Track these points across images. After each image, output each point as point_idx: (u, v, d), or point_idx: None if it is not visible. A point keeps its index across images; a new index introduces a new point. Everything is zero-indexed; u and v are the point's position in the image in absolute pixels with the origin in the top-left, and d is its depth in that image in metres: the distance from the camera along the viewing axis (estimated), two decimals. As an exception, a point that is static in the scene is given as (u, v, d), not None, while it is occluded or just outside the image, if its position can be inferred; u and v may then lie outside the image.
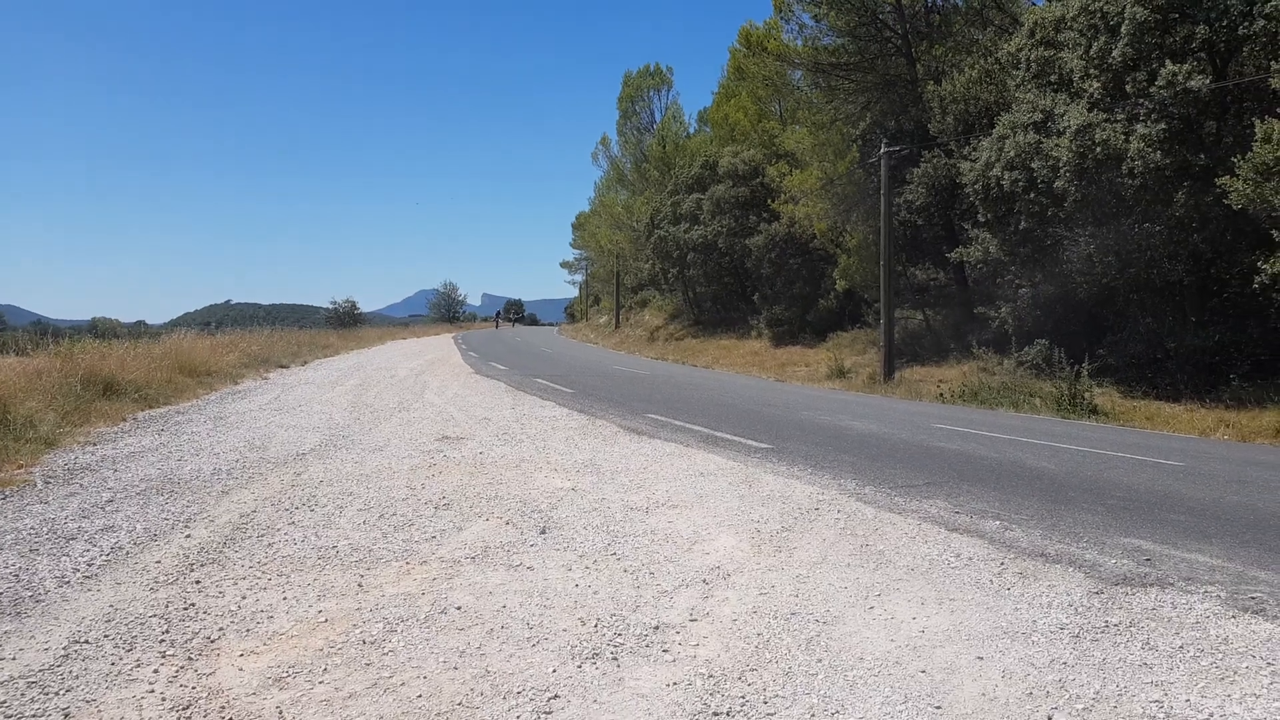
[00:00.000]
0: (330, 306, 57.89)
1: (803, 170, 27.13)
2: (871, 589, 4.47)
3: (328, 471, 7.43)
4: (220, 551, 4.98)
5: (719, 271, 37.25)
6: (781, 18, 26.45)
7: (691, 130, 47.32)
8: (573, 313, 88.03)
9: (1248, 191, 12.47)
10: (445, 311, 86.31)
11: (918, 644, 3.76)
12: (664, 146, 45.47)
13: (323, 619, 3.98)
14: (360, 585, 4.44)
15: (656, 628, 3.92)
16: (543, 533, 5.50)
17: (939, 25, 24.59)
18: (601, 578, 4.62)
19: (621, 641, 3.75)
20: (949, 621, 4.01)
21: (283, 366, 20.11)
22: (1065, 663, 3.54)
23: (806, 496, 6.56)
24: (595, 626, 3.92)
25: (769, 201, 31.33)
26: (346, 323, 51.87)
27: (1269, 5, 13.55)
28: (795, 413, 13.05)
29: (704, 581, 4.57)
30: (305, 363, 22.25)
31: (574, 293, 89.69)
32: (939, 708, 3.18)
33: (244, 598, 4.23)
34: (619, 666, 3.51)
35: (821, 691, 3.30)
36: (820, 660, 3.58)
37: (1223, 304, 15.42)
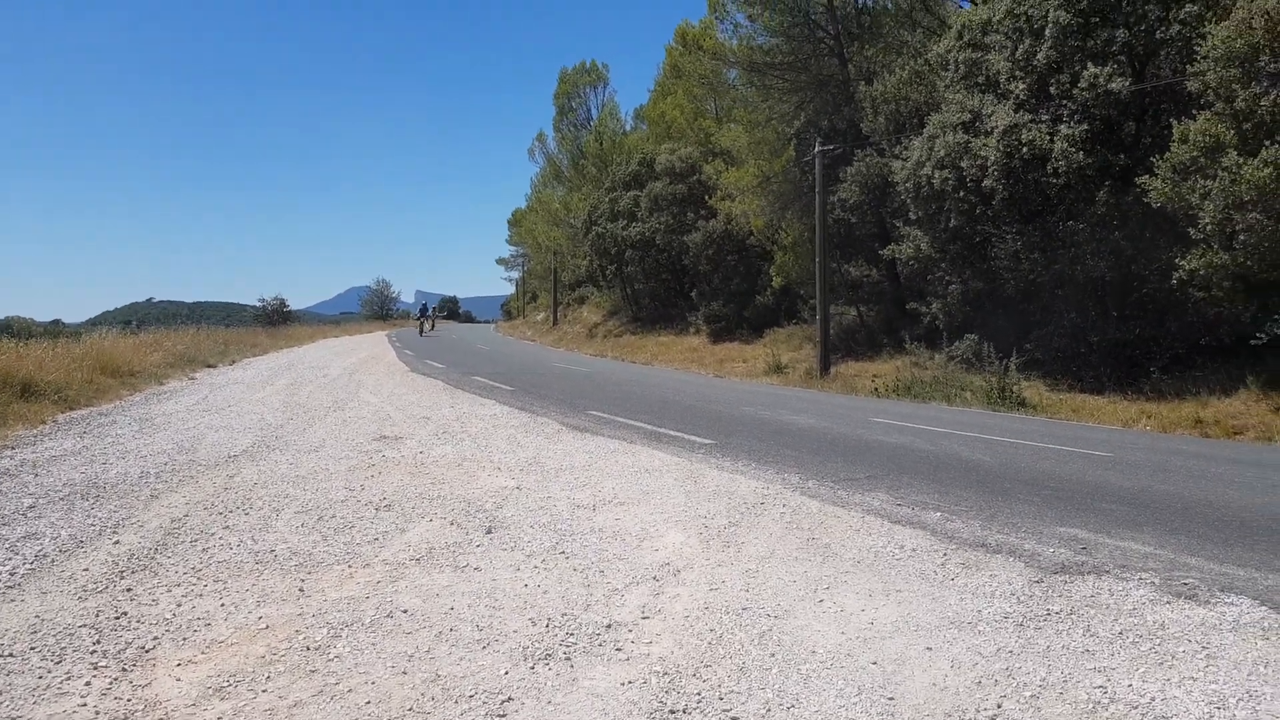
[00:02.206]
0: (258, 304, 56.21)
1: (739, 168, 27.34)
2: (820, 582, 4.50)
3: (262, 474, 7.22)
4: (152, 558, 4.79)
5: (657, 268, 37.32)
6: (716, 17, 26.61)
7: (628, 127, 47.30)
8: (509, 310, 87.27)
9: (1166, 190, 12.93)
10: (378, 309, 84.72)
11: (868, 636, 3.80)
12: (601, 143, 45.37)
13: (264, 625, 3.85)
14: (301, 590, 4.32)
15: (609, 626, 3.89)
16: (489, 533, 5.42)
17: (870, 26, 24.99)
18: (551, 577, 4.57)
19: (574, 641, 3.71)
20: (897, 613, 4.07)
21: (210, 366, 19.50)
22: (1011, 651, 3.61)
23: (752, 491, 6.59)
24: (547, 626, 3.87)
25: (706, 199, 31.50)
26: (275, 321, 50.51)
27: (1183, 10, 14.10)
28: (736, 408, 13.13)
29: (654, 578, 4.56)
30: (234, 362, 21.62)
31: (510, 290, 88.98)
32: (891, 699, 3.21)
33: (179, 605, 4.07)
34: (572, 667, 3.47)
35: (776, 686, 3.31)
36: (773, 655, 3.59)
37: (1142, 299, 15.99)
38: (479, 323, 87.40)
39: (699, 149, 34.08)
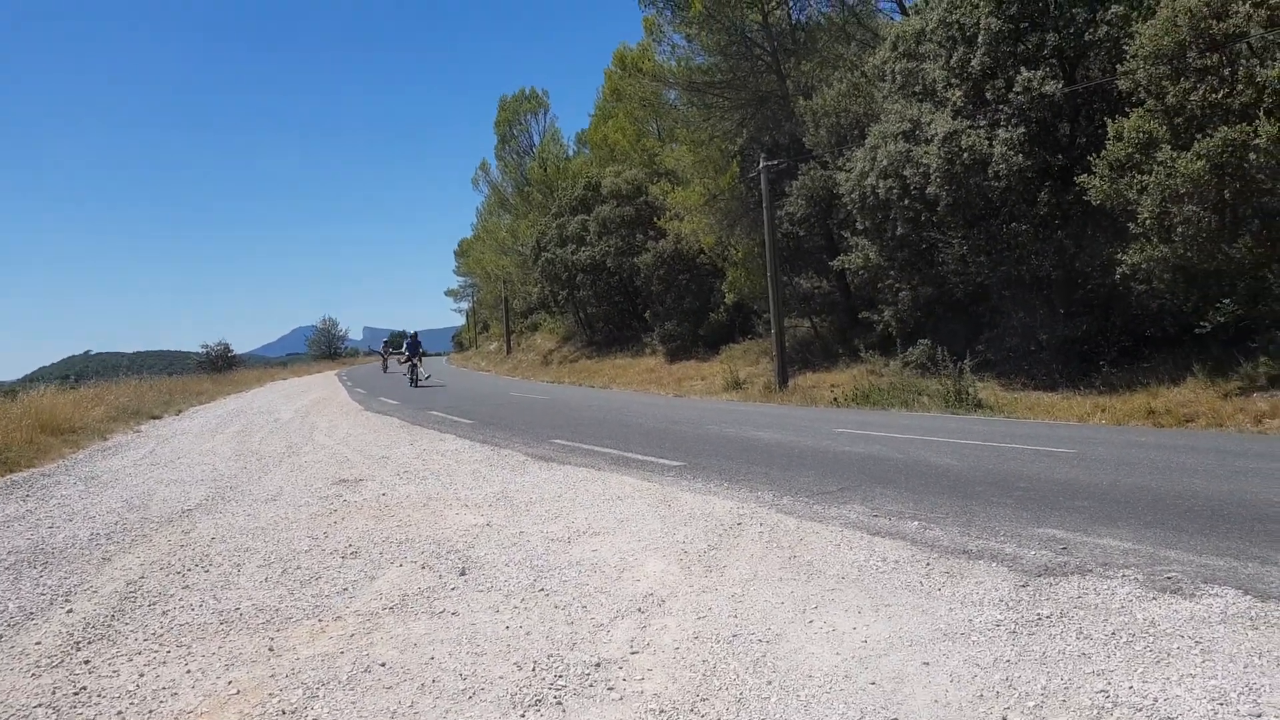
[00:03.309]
0: (201, 350, 55.04)
1: (685, 187, 27.47)
2: (808, 601, 4.43)
3: (219, 527, 6.95)
4: (109, 626, 4.54)
5: (609, 291, 37.30)
6: (653, 39, 26.82)
7: (571, 152, 47.38)
8: (461, 341, 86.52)
9: (1104, 188, 13.23)
10: (325, 348, 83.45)
11: (862, 655, 3.72)
12: (545, 169, 45.35)
13: (234, 690, 3.66)
14: (271, 649, 4.12)
15: (598, 664, 3.76)
16: (463, 574, 5.25)
17: (805, 42, 25.35)
18: (532, 617, 4.42)
19: (563, 684, 3.58)
20: (889, 628, 4.00)
21: (155, 417, 18.93)
22: (1009, 660, 3.56)
23: (727, 512, 6.51)
24: (533, 670, 3.73)
25: (654, 219, 31.60)
26: (220, 366, 49.45)
27: (1110, 12, 14.52)
28: (701, 427, 13.08)
29: (639, 610, 4.44)
30: (180, 411, 21.02)
31: (461, 321, 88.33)
32: (895, 719, 3.14)
33: (142, 675, 3.85)
34: (565, 712, 3.34)
35: (777, 715, 3.22)
36: (770, 682, 3.50)
37: (1088, 295, 16.32)
38: (430, 355, 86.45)
39: (644, 170, 34.23)
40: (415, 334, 31.07)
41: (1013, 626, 3.91)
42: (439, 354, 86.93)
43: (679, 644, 3.95)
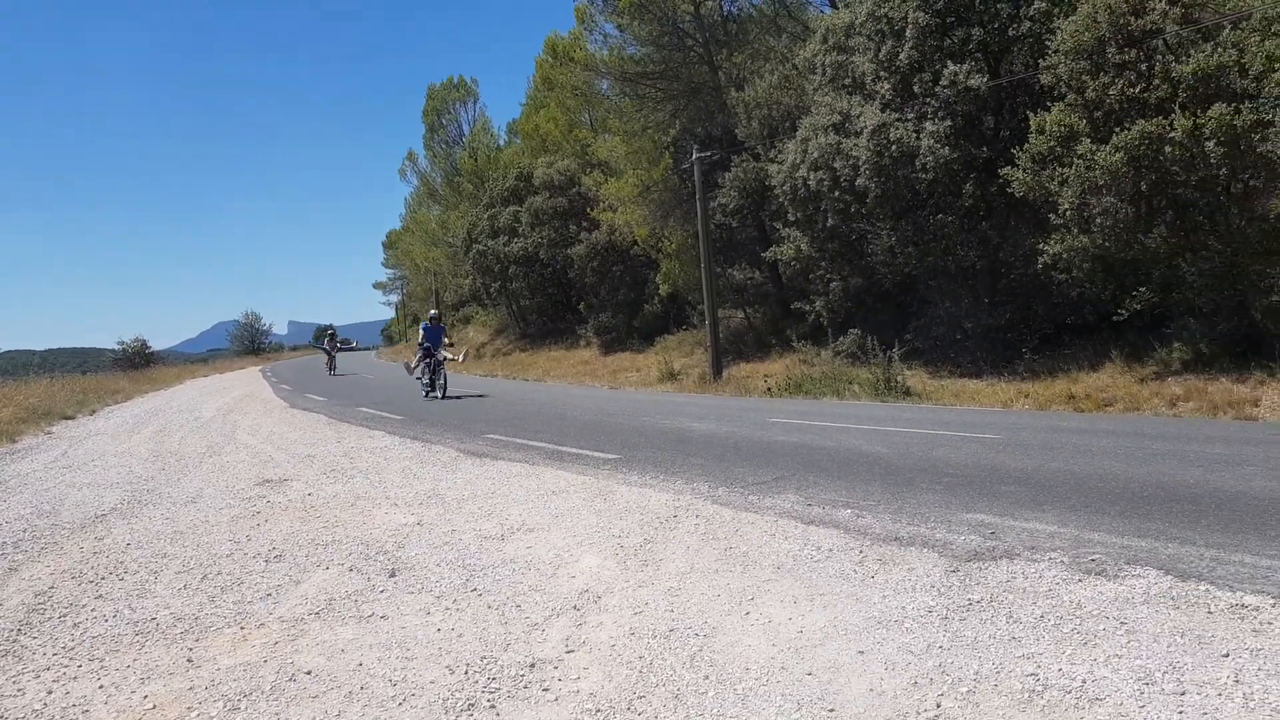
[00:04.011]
0: (118, 348, 53.06)
1: (618, 178, 27.38)
2: (744, 593, 4.41)
3: (135, 533, 6.65)
4: (14, 640, 4.29)
5: (543, 283, 37.04)
6: (585, 28, 26.65)
7: (502, 142, 46.89)
8: (390, 335, 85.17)
9: (1027, 180, 13.57)
10: (249, 343, 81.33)
11: (798, 645, 3.71)
12: (475, 159, 44.76)
13: (150, 706, 3.48)
14: (190, 660, 3.94)
15: (532, 665, 3.68)
16: (392, 576, 5.11)
17: (736, 34, 25.46)
18: (465, 618, 4.31)
19: (497, 686, 3.49)
20: (824, 618, 4.00)
21: (68, 418, 18.15)
22: (941, 646, 3.58)
23: (663, 505, 6.47)
24: (466, 673, 3.63)
25: (588, 211, 31.46)
26: (138, 364, 47.72)
27: (1032, 8, 14.89)
28: (636, 419, 13.04)
29: (575, 608, 4.36)
30: (94, 411, 20.19)
31: (390, 314, 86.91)
32: (832, 710, 3.13)
33: (50, 692, 3.64)
34: (498, 715, 3.25)
35: (714, 710, 3.18)
36: (707, 677, 3.46)
37: (1011, 285, 16.75)
38: (359, 350, 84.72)
39: (577, 161, 34.03)
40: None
41: (945, 612, 3.95)
42: (368, 348, 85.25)
43: (615, 641, 3.89)
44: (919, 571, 4.55)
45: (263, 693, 3.54)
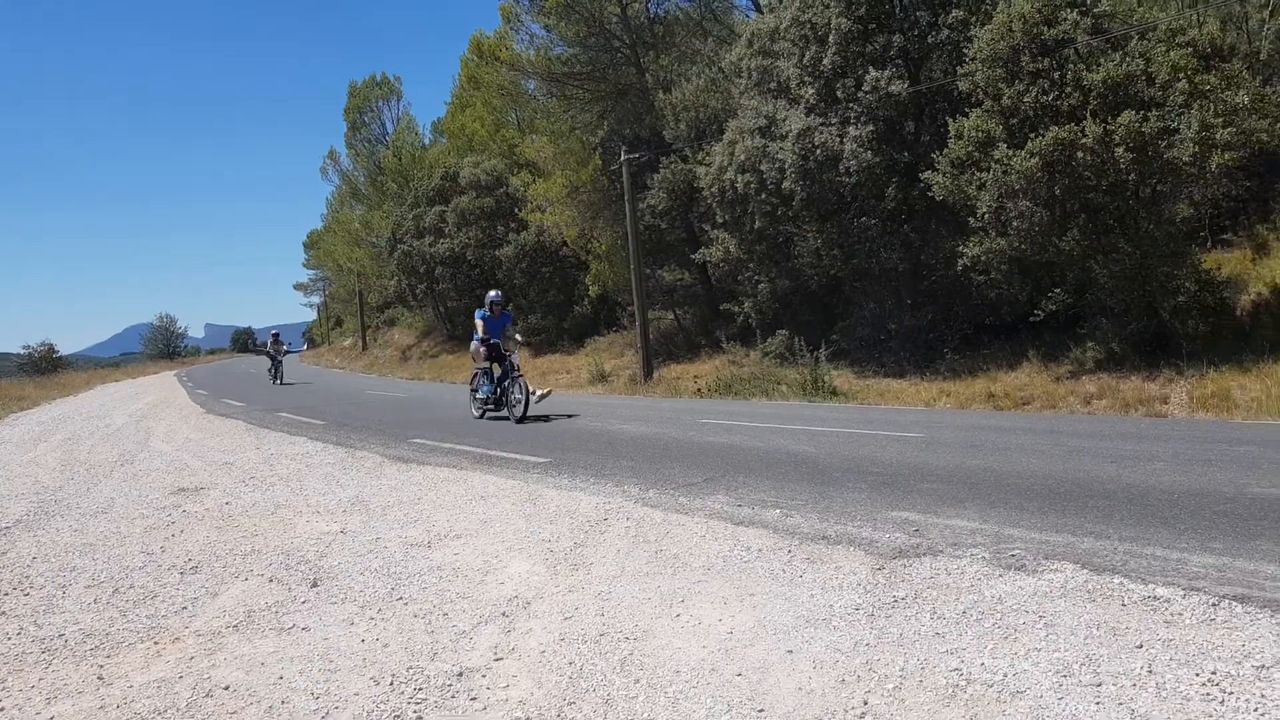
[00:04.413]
0: (22, 352, 50.76)
1: (546, 179, 27.22)
2: (674, 596, 4.40)
3: (41, 545, 6.34)
4: (-99, 666, 4.03)
5: (470, 284, 36.56)
6: (511, 28, 26.39)
7: (428, 141, 46.16)
8: (312, 337, 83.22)
9: (946, 184, 13.93)
10: (163, 347, 78.63)
11: (728, 646, 3.71)
12: (400, 158, 43.98)
13: (53, 730, 3.30)
14: (101, 678, 3.76)
15: (460, 674, 3.60)
16: (314, 586, 4.96)
17: (663, 36, 25.56)
18: (390, 627, 4.21)
19: (424, 696, 3.41)
20: (753, 618, 4.01)
21: (-33, 426, 17.25)
22: (868, 644, 3.62)
23: (593, 508, 6.43)
24: (391, 684, 3.53)
25: (516, 211, 31.18)
26: (44, 369, 45.74)
27: (950, 16, 15.30)
28: (566, 423, 12.96)
29: (504, 614, 4.29)
30: (-3, 419, 19.24)
31: (312, 316, 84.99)
32: (762, 710, 3.13)
33: (-59, 721, 3.43)
34: (425, 727, 3.17)
35: (645, 715, 3.15)
36: (638, 681, 3.44)
37: (932, 286, 17.18)
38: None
39: (504, 161, 33.73)
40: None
41: (871, 610, 3.99)
42: (288, 351, 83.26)
43: (545, 647, 3.84)
44: (846, 570, 4.60)
45: (178, 710, 3.39)
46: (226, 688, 3.59)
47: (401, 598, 4.65)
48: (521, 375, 12.92)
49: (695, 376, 19.56)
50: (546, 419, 13.02)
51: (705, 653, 3.66)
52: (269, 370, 29.52)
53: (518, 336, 13.60)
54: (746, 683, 3.36)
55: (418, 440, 11.23)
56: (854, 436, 9.70)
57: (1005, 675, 3.23)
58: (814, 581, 4.46)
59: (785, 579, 4.54)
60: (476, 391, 13.68)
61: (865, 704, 3.12)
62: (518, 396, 12.64)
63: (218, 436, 13.32)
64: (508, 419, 12.91)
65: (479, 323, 13.32)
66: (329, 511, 7.00)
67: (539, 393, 13.44)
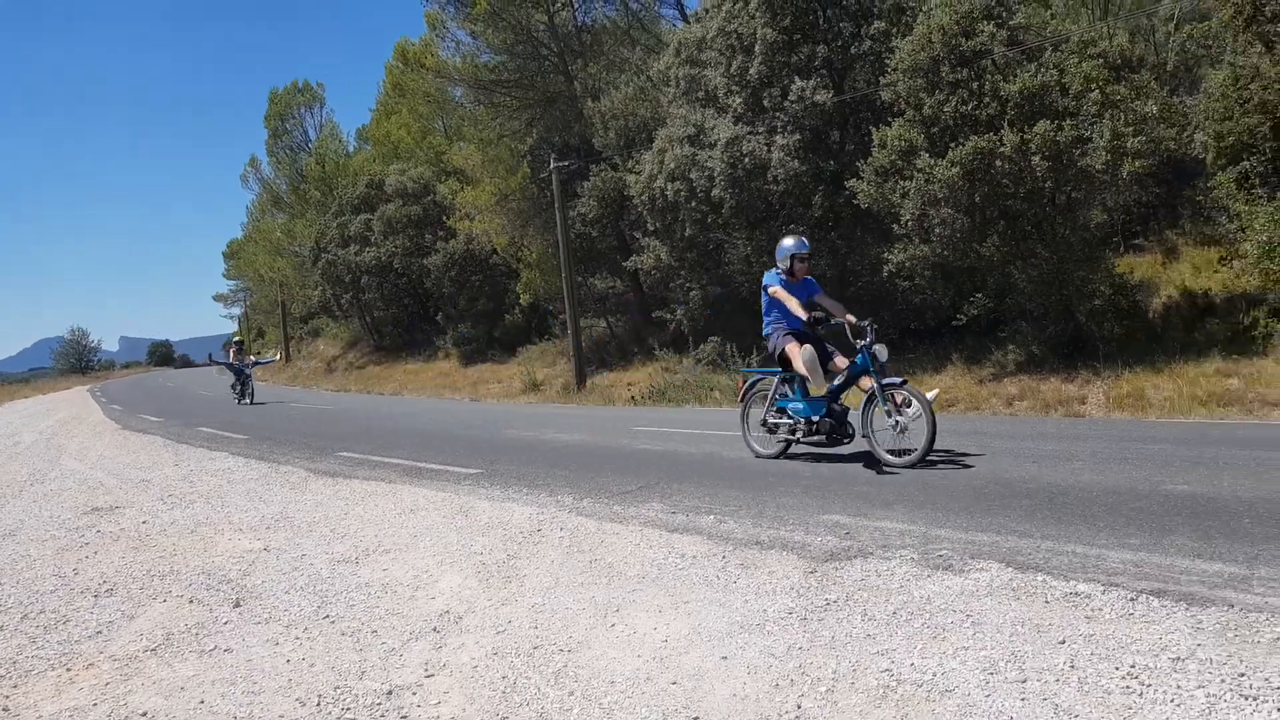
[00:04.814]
0: (-79, 369, 48.24)
1: (475, 186, 26.98)
2: (609, 605, 4.36)
3: (-62, 573, 6.00)
4: None
5: (397, 293, 36.05)
6: (437, 35, 26.14)
7: (352, 149, 45.37)
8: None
9: (871, 192, 14.22)
10: (75, 361, 75.62)
11: (663, 655, 3.70)
12: (323, 166, 43.08)
13: (-50, 770, 3.11)
14: (6, 709, 3.57)
15: (389, 692, 3.51)
16: (237, 606, 4.80)
17: (591, 44, 25.60)
18: (316, 647, 4.08)
19: (352, 717, 3.32)
20: (688, 625, 4.00)
21: None
22: (801, 647, 3.64)
23: (527, 519, 6.36)
24: (319, 705, 3.43)
25: (444, 219, 30.84)
26: (-54, 386, 43.51)
27: (873, 27, 15.65)
28: (498, 431, 12.83)
29: (435, 630, 4.21)
30: (-108, 439, 18.22)
31: (233, 328, 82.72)
32: (697, 718, 3.12)
33: None
34: (353, 749, 3.08)
35: (580, 728, 3.12)
36: (572, 693, 3.40)
37: (859, 292, 17.48)
38: (198, 366, 79.89)
39: (431, 168, 33.35)
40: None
41: (803, 613, 4.02)
42: (205, 364, 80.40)
43: (477, 662, 3.77)
44: (779, 574, 4.63)
45: (86, 745, 3.24)
46: (144, 714, 3.45)
47: (328, 616, 4.52)
48: (900, 382, 7.62)
49: (628, 384, 19.57)
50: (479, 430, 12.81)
51: (640, 662, 3.64)
52: (232, 388, 23.69)
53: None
54: (681, 691, 3.35)
55: (345, 453, 10.98)
56: (785, 441, 9.78)
57: (934, 674, 3.27)
58: (748, 587, 4.47)
59: (719, 585, 4.54)
60: (767, 411, 8.39)
61: (799, 708, 3.13)
62: (902, 420, 7.38)
63: (134, 453, 12.83)
64: (837, 452, 8.26)
65: (779, 291, 7.95)
66: (252, 528, 6.79)
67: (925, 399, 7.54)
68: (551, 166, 21.09)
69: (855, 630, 3.77)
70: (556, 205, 21.07)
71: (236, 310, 75.91)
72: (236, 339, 26.76)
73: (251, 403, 22.44)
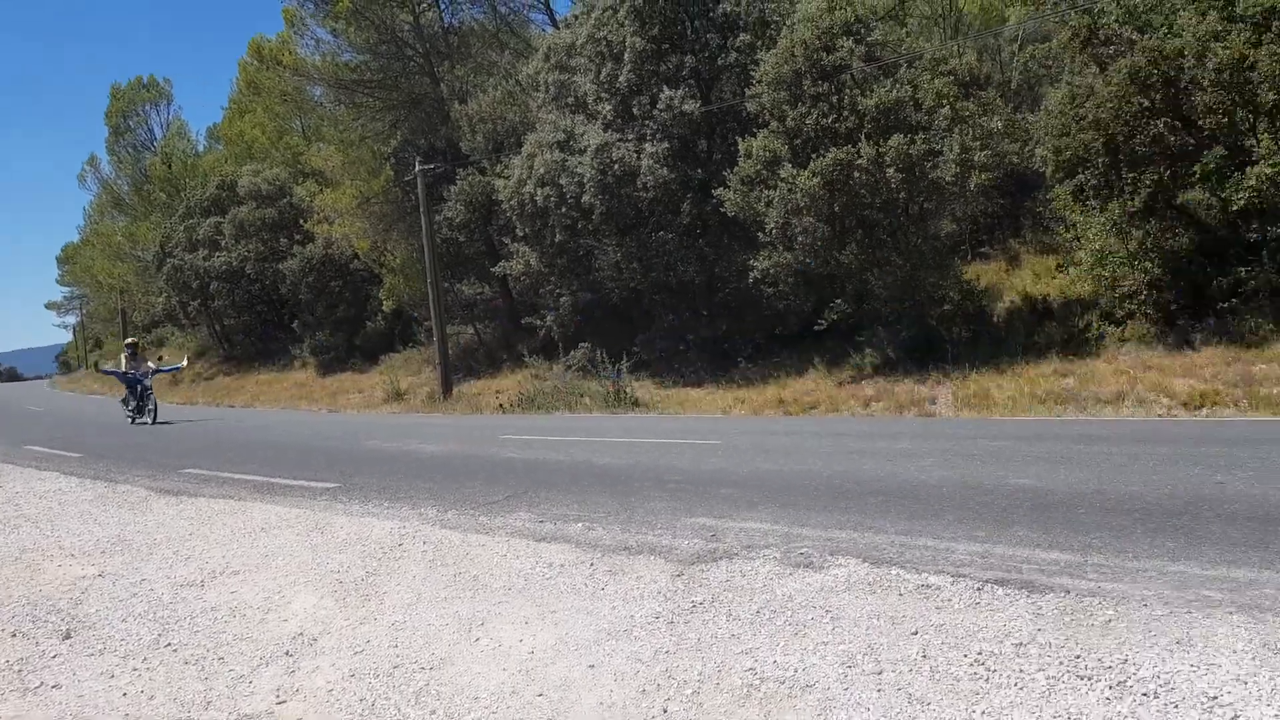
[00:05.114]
0: None
1: (335, 189, 26.05)
2: (473, 619, 4.25)
3: None
4: None
5: (250, 300, 34.37)
6: (295, 32, 25.18)
7: (202, 148, 43.08)
8: (68, 362, 75.47)
9: (737, 200, 14.56)
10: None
11: (529, 667, 3.63)
12: (170, 166, 40.67)
13: None
14: None
15: (237, 723, 3.30)
16: (67, 638, 4.41)
17: (458, 46, 25.21)
18: (157, 678, 3.80)
19: (193, 753, 3.09)
20: (554, 635, 3.95)
21: None
22: (668, 651, 3.64)
23: (387, 533, 6.13)
24: (155, 743, 3.19)
25: (301, 222, 29.64)
26: None
27: (738, 40, 16.04)
28: (358, 443, 12.39)
29: (287, 654, 3.99)
30: None
31: (67, 338, 77.23)
32: (563, 730, 3.08)
33: None
34: (193, 787, 2.87)
35: (442, 749, 3.01)
36: (434, 712, 3.29)
37: (726, 298, 17.88)
38: (28, 379, 73.56)
39: (288, 170, 32.03)
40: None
41: (670, 617, 4.03)
42: (39, 377, 73.99)
43: (333, 685, 3.60)
44: (647, 579, 4.62)
45: (-122, 803, 2.89)
46: (-52, 767, 3.11)
47: (170, 644, 4.22)
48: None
49: (497, 392, 19.30)
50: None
51: (506, 675, 3.56)
52: (124, 403, 19.28)
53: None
54: (548, 702, 3.29)
55: (191, 470, 10.33)
56: (655, 446, 9.87)
57: (796, 671, 3.33)
58: (615, 593, 4.45)
59: (587, 593, 4.50)
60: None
61: (665, 711, 3.13)
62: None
63: (-52, 475, 11.68)
64: None
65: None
66: (85, 553, 6.28)
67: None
68: (417, 169, 20.60)
69: (720, 631, 3.80)
70: (422, 209, 20.59)
71: (71, 319, 70.91)
72: (129, 342, 20.66)
73: (153, 422, 17.87)
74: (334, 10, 23.21)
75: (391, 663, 3.78)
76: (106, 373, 24.00)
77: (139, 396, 18.44)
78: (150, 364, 19.47)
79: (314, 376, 29.20)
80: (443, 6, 25.20)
